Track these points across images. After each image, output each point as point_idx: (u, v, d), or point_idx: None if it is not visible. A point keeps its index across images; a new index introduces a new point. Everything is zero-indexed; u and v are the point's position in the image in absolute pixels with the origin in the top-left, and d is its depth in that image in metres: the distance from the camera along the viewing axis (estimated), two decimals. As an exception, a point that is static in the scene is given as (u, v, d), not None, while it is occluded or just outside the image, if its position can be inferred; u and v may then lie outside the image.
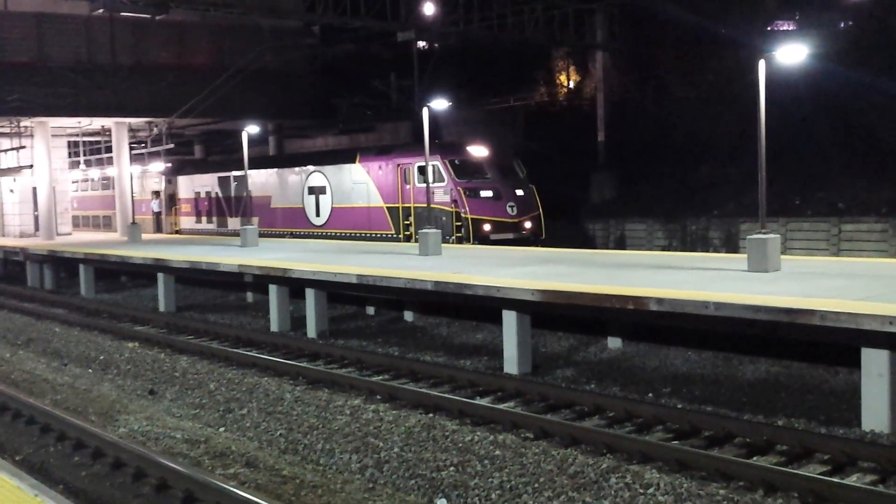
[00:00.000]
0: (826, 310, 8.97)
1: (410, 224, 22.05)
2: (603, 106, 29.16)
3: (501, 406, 10.37)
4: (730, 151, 24.38)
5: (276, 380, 12.45)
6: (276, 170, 27.46)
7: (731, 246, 22.87)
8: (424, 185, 19.14)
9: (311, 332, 15.58)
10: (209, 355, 14.35)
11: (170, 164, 32.26)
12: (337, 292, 16.25)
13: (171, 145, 30.74)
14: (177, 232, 32.14)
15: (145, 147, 30.97)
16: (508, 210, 20.85)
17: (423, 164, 19.68)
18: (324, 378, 12.20)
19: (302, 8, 27.84)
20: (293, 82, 30.84)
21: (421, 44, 34.27)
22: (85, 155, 33.14)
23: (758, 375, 11.41)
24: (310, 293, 15.54)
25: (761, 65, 11.92)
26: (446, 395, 10.81)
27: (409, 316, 16.81)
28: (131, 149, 30.44)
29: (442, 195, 20.97)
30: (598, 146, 29.14)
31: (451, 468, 8.41)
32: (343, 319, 17.18)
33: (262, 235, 24.60)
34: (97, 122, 30.47)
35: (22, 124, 29.82)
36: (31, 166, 29.86)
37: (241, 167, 23.34)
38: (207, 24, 28.82)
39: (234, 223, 28.73)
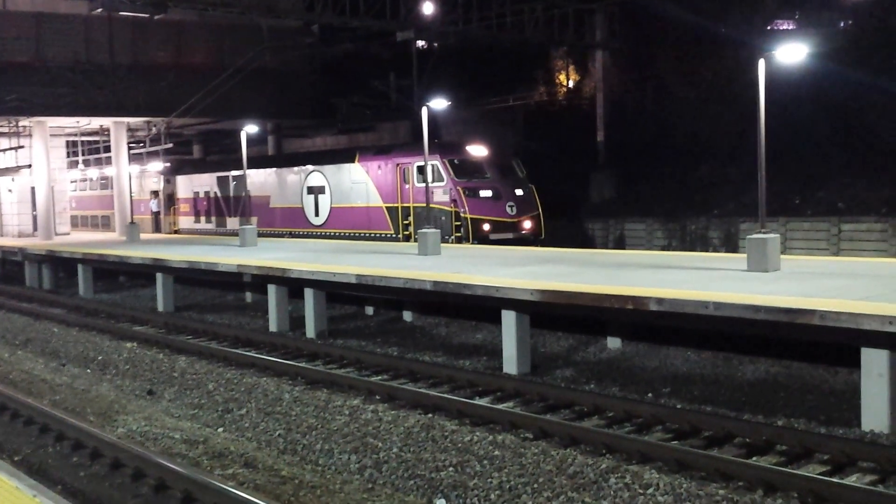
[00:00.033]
0: (826, 310, 8.95)
1: (410, 224, 22.03)
2: (602, 105, 29.15)
3: (500, 406, 10.36)
4: (729, 151, 24.37)
5: (274, 380, 12.43)
6: (274, 169, 27.44)
7: (731, 246, 22.86)
8: (424, 184, 19.11)
9: (310, 332, 15.56)
10: (208, 355, 14.33)
11: (168, 164, 32.23)
12: (336, 292, 16.23)
13: (170, 145, 30.71)
14: (175, 232, 32.11)
15: (144, 147, 30.94)
16: (508, 210, 20.83)
17: (422, 163, 19.65)
18: (323, 378, 12.18)
19: (301, 7, 27.80)
20: (292, 82, 30.81)
21: (420, 43, 34.26)
22: (83, 154, 33.10)
23: (757, 375, 11.39)
24: (309, 293, 15.52)
25: (761, 64, 11.91)
26: (445, 396, 10.80)
27: (408, 316, 16.79)
28: (130, 148, 30.40)
29: (441, 195, 20.95)
30: (598, 146, 29.13)
31: (450, 468, 8.40)
32: (342, 319, 17.16)
33: (260, 235, 24.57)
34: (96, 122, 30.43)
35: (20, 124, 29.79)
36: (30, 166, 29.83)
37: (239, 167, 23.34)
38: (206, 24, 28.80)
39: (232, 223, 28.71)
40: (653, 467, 8.14)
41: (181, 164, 33.97)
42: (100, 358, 14.76)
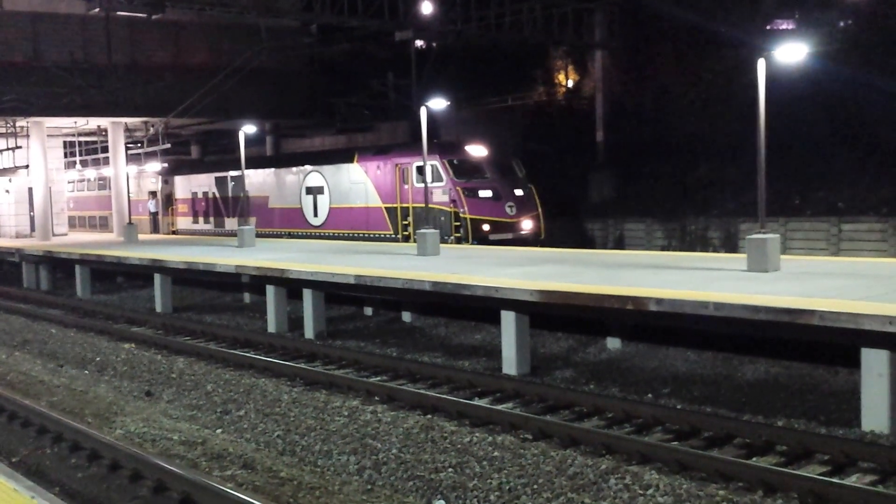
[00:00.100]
0: (826, 310, 8.93)
1: (409, 224, 22.01)
2: (602, 105, 29.13)
3: (500, 407, 10.33)
4: (729, 151, 24.36)
5: (273, 381, 12.40)
6: (273, 170, 27.41)
7: (731, 246, 22.85)
8: (423, 184, 19.08)
9: (309, 332, 15.53)
10: (206, 356, 14.30)
11: (166, 165, 32.19)
12: (335, 293, 16.20)
13: (168, 145, 30.66)
14: (174, 232, 32.08)
15: (142, 147, 30.90)
16: (507, 210, 20.81)
17: (421, 163, 19.62)
18: (322, 379, 12.15)
19: (299, 7, 27.78)
20: (290, 82, 30.78)
21: (419, 43, 34.22)
22: (81, 155, 33.05)
23: (757, 376, 11.37)
24: (307, 294, 15.49)
25: (761, 64, 11.90)
26: (445, 396, 10.78)
27: (407, 316, 16.77)
28: (127, 149, 30.36)
29: (441, 195, 20.92)
30: (597, 146, 29.11)
31: (450, 469, 8.37)
32: (341, 320, 17.13)
33: (259, 236, 24.55)
34: (93, 122, 30.38)
35: (18, 124, 29.74)
36: (27, 166, 29.79)
37: (238, 167, 23.32)
38: (204, 24, 28.77)
39: (231, 223, 28.67)
40: (653, 468, 8.12)
41: (179, 165, 33.93)
42: (98, 359, 14.72)
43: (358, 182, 23.66)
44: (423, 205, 19.07)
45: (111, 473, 8.60)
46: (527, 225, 20.90)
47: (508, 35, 27.36)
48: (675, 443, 8.83)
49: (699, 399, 10.54)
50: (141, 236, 28.59)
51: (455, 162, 21.32)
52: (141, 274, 22.43)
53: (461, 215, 20.61)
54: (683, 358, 12.40)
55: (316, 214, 25.33)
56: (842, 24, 26.36)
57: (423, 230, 17.35)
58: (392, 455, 8.88)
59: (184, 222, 31.89)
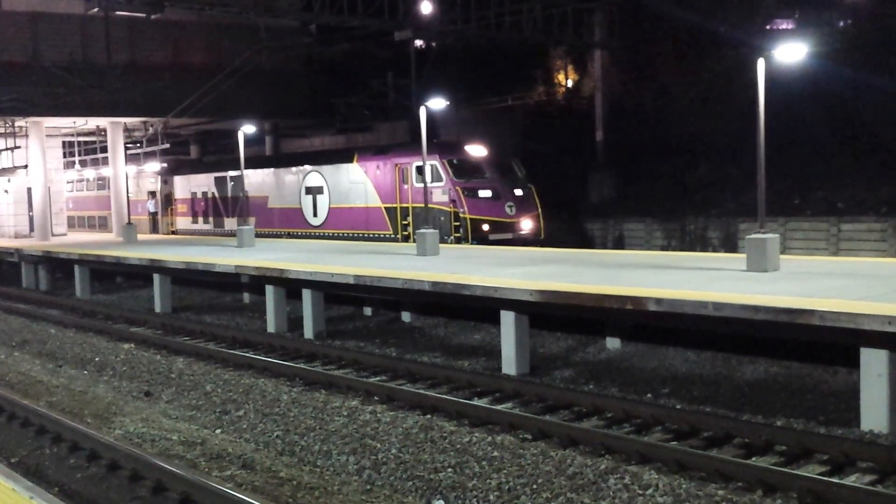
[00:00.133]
0: (825, 310, 8.93)
1: (409, 224, 22.00)
2: (601, 105, 29.12)
3: (499, 407, 10.33)
4: (729, 151, 24.35)
5: (272, 381, 12.39)
6: (272, 170, 27.40)
7: (730, 246, 22.85)
8: (422, 184, 19.07)
9: (308, 332, 15.52)
10: (205, 356, 14.29)
11: (166, 165, 32.17)
12: (334, 293, 16.19)
13: (167, 145, 30.66)
14: (173, 232, 32.06)
15: (141, 147, 30.88)
16: (507, 210, 20.80)
17: (421, 163, 19.61)
18: (321, 379, 12.14)
19: (298, 7, 27.75)
20: (290, 82, 30.77)
21: (418, 43, 34.21)
22: (80, 155, 33.04)
23: (757, 376, 11.37)
24: (307, 294, 15.48)
25: (760, 64, 11.89)
26: (444, 396, 10.77)
27: (406, 316, 16.76)
28: (127, 149, 30.35)
29: (440, 195, 20.91)
30: (597, 145, 29.11)
31: (449, 469, 8.37)
32: (340, 320, 17.13)
33: (258, 236, 24.53)
34: (92, 122, 30.37)
35: (16, 124, 29.72)
36: (26, 166, 29.77)
37: (237, 167, 23.31)
38: (203, 24, 28.75)
39: (230, 223, 28.66)
40: (652, 468, 8.11)
41: (178, 165, 33.92)
42: (97, 359, 14.71)
43: (357, 182, 23.66)
44: (422, 205, 19.06)
45: (110, 474, 8.60)
46: (526, 225, 20.88)
47: (508, 35, 27.34)
48: (675, 443, 8.83)
49: (699, 399, 10.53)
50: (140, 236, 28.57)
51: (455, 162, 21.31)
52: (140, 274, 22.41)
53: (461, 215, 20.60)
54: (683, 358, 12.40)
55: (315, 214, 25.32)
56: (841, 23, 26.37)
57: (422, 230, 17.34)
58: (391, 455, 8.87)
59: (183, 222, 31.87)
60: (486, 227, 20.54)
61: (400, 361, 12.92)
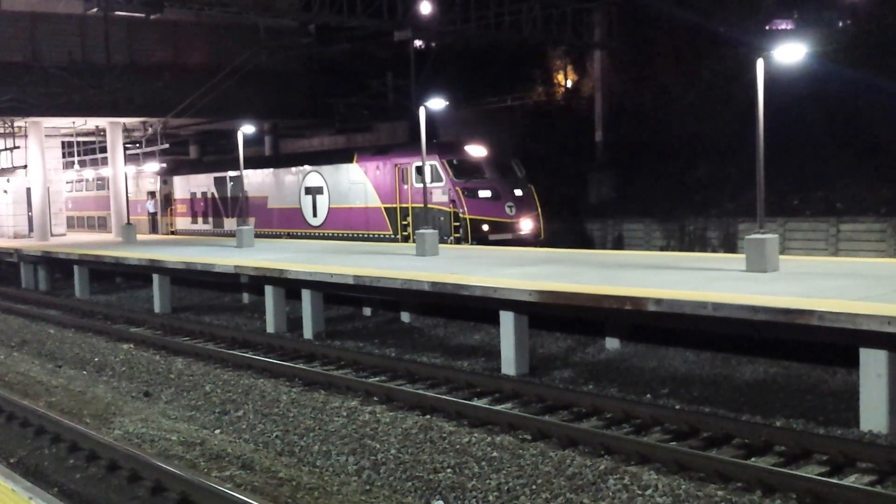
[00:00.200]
0: (824, 310, 8.93)
1: (408, 224, 21.99)
2: (601, 105, 29.12)
3: (499, 407, 10.33)
4: (728, 151, 24.36)
5: (272, 381, 12.39)
6: (272, 170, 27.39)
7: (730, 246, 22.85)
8: (422, 185, 19.06)
9: (308, 333, 15.52)
10: (205, 357, 14.28)
11: (165, 165, 32.16)
12: (333, 293, 16.19)
13: (167, 145, 30.64)
14: (172, 233, 32.05)
15: (140, 147, 30.87)
16: (507, 210, 20.80)
17: (420, 163, 19.60)
18: (320, 379, 12.14)
19: (298, 7, 27.74)
20: (289, 82, 30.76)
21: (418, 43, 34.20)
22: (79, 155, 33.03)
23: (756, 376, 11.37)
24: (306, 294, 15.48)
25: (760, 64, 11.89)
26: (443, 397, 10.77)
27: (406, 317, 16.76)
28: (126, 149, 30.34)
29: (440, 195, 20.91)
30: (596, 146, 29.11)
31: (449, 470, 8.36)
32: (339, 320, 17.12)
33: (258, 236, 24.52)
34: (91, 122, 30.35)
35: (16, 124, 29.71)
36: (25, 167, 29.75)
37: (237, 167, 23.31)
38: (202, 24, 28.74)
39: (230, 224, 28.65)
40: (651, 468, 8.11)
41: (178, 165, 33.91)
42: (96, 359, 14.71)
43: (357, 182, 23.65)
44: (422, 205, 19.06)
45: (109, 474, 8.59)
46: (526, 225, 20.88)
47: (507, 35, 27.34)
48: (674, 443, 8.83)
49: (698, 399, 10.53)
50: (139, 237, 28.56)
51: (454, 162, 21.30)
52: (139, 274, 22.40)
53: (461, 215, 20.60)
54: (682, 358, 12.39)
55: (315, 215, 25.32)
56: (841, 24, 26.38)
57: (421, 230, 17.33)
58: (391, 455, 8.87)
59: (182, 222, 31.86)
60: (485, 227, 20.53)
61: (399, 362, 12.92)
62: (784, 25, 27.77)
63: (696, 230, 24.09)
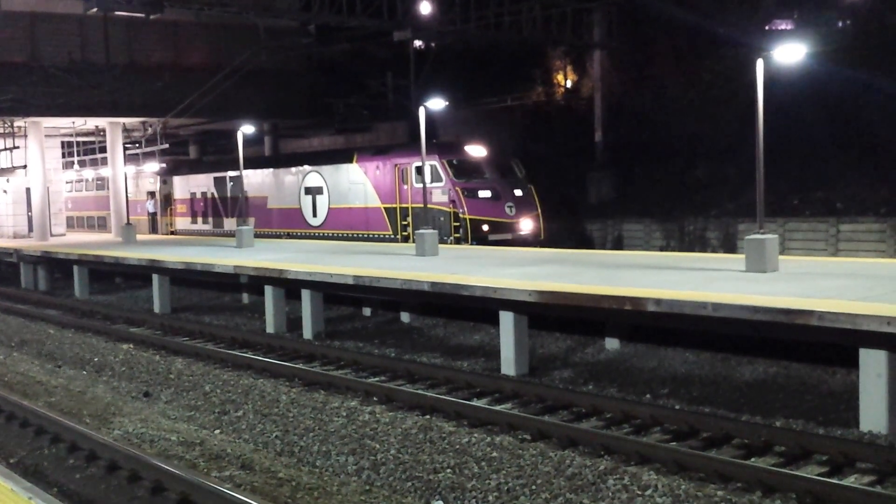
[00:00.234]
0: (824, 310, 8.93)
1: (408, 225, 21.99)
2: (601, 106, 29.12)
3: (498, 407, 10.33)
4: (728, 151, 24.36)
5: (272, 381, 12.39)
6: (272, 170, 27.39)
7: (729, 246, 22.85)
8: (422, 185, 19.06)
9: (307, 333, 15.51)
10: (204, 357, 14.28)
11: (165, 165, 32.15)
12: (333, 293, 16.19)
13: (166, 145, 30.63)
14: (172, 233, 32.05)
15: (140, 147, 30.86)
16: (507, 210, 20.79)
17: (420, 164, 19.60)
18: (320, 380, 12.14)
19: (297, 7, 27.74)
20: (289, 82, 30.75)
21: (417, 43, 34.19)
22: (79, 155, 33.03)
23: (756, 376, 11.37)
24: (306, 294, 15.48)
25: (759, 64, 11.89)
26: (443, 397, 10.77)
27: (405, 317, 16.76)
28: (126, 149, 30.32)
29: (440, 195, 20.90)
30: (596, 146, 29.12)
31: (448, 470, 8.36)
32: (339, 320, 17.12)
33: (258, 236, 24.52)
34: (91, 122, 30.34)
35: (15, 124, 29.70)
36: (25, 167, 29.74)
37: (236, 167, 23.31)
38: (202, 24, 28.70)
39: (230, 224, 28.64)
40: (651, 468, 8.11)
41: (178, 165, 33.90)
42: (96, 360, 14.70)
43: (357, 182, 23.65)
44: (422, 205, 19.05)
45: (109, 474, 8.59)
46: (526, 225, 20.87)
47: (507, 35, 27.33)
48: (674, 443, 8.83)
49: (698, 399, 10.53)
50: (139, 237, 28.55)
51: (454, 162, 21.30)
52: (139, 274, 22.40)
53: (460, 216, 20.59)
54: (682, 358, 12.39)
55: (315, 215, 25.31)
56: (840, 24, 26.37)
57: (421, 230, 17.33)
58: (390, 455, 8.87)
59: (182, 223, 31.86)
60: (485, 227, 20.53)
61: (399, 362, 12.91)
62: (784, 25, 27.76)
63: (696, 230, 24.09)
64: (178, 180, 32.18)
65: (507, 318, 12.08)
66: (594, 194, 28.58)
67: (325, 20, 26.17)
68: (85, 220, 36.66)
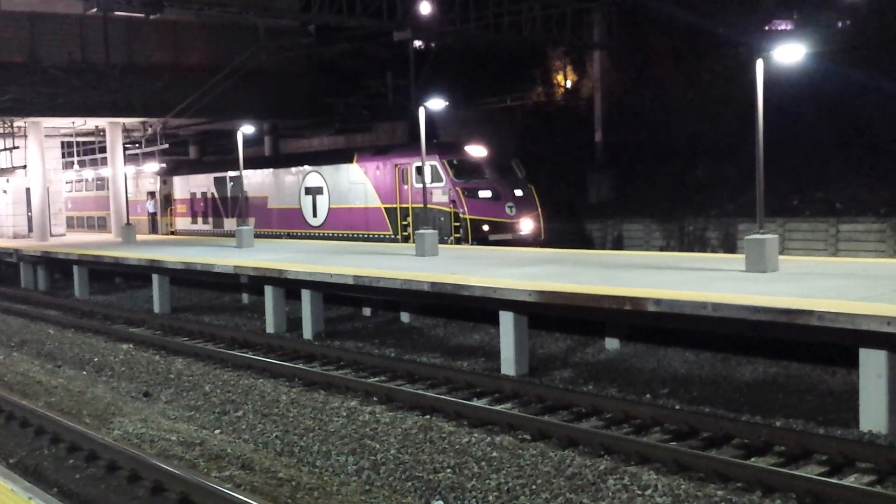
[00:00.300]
0: (824, 310, 8.94)
1: (408, 225, 21.99)
2: (600, 106, 29.13)
3: (498, 407, 10.33)
4: (728, 151, 24.37)
5: (271, 381, 12.39)
6: (272, 170, 27.39)
7: (729, 246, 22.85)
8: (422, 185, 19.07)
9: (307, 333, 15.52)
10: (204, 357, 14.28)
11: (165, 165, 32.16)
12: (333, 293, 16.19)
13: (166, 145, 30.63)
14: (172, 233, 32.05)
15: (140, 147, 30.86)
16: (507, 210, 20.80)
17: (420, 164, 19.60)
18: (320, 380, 12.14)
19: (297, 7, 27.73)
20: (289, 82, 30.75)
21: (417, 43, 34.19)
22: (79, 155, 33.03)
23: (756, 376, 11.37)
24: (306, 294, 15.48)
25: (759, 64, 11.89)
26: (443, 397, 10.77)
27: (405, 317, 16.76)
28: (126, 149, 30.32)
29: (440, 195, 20.91)
30: (596, 146, 29.12)
31: (448, 470, 8.36)
32: (339, 321, 17.12)
33: (258, 236, 24.51)
34: (91, 122, 30.34)
35: (15, 124, 29.70)
36: (25, 167, 29.74)
37: (236, 167, 23.32)
38: (202, 24, 28.72)
39: (230, 224, 28.65)
40: (651, 468, 8.12)
41: (177, 165, 33.91)
42: (96, 360, 14.70)
43: (357, 182, 23.65)
44: (422, 205, 19.05)
45: (109, 474, 8.59)
46: (526, 225, 20.87)
47: (507, 35, 27.32)
48: (674, 443, 8.83)
49: (698, 399, 10.54)
50: (139, 237, 28.55)
51: (455, 162, 21.30)
52: (139, 274, 22.39)
53: (461, 216, 20.60)
54: (682, 358, 12.40)
55: (315, 215, 25.31)
56: (840, 24, 26.37)
57: (421, 230, 17.33)
58: (390, 455, 8.87)
59: (182, 223, 31.86)
60: (486, 227, 20.53)
61: (399, 362, 12.92)
62: (784, 26, 27.75)
63: (696, 230, 24.09)
64: (177, 180, 32.18)
65: (507, 318, 12.08)
66: (594, 194, 28.58)
67: (325, 20, 26.17)
68: (85, 220, 36.66)
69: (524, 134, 31.09)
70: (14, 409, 10.86)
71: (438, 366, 12.76)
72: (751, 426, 9.07)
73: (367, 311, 17.62)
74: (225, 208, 29.48)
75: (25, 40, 26.98)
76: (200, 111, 27.06)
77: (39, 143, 28.82)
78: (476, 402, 10.50)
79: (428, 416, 10.19)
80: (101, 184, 34.12)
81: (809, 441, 8.47)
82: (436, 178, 20.95)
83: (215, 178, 29.92)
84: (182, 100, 26.50)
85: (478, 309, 13.81)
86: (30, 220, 31.44)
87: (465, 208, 20.55)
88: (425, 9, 28.37)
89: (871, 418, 8.88)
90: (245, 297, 20.66)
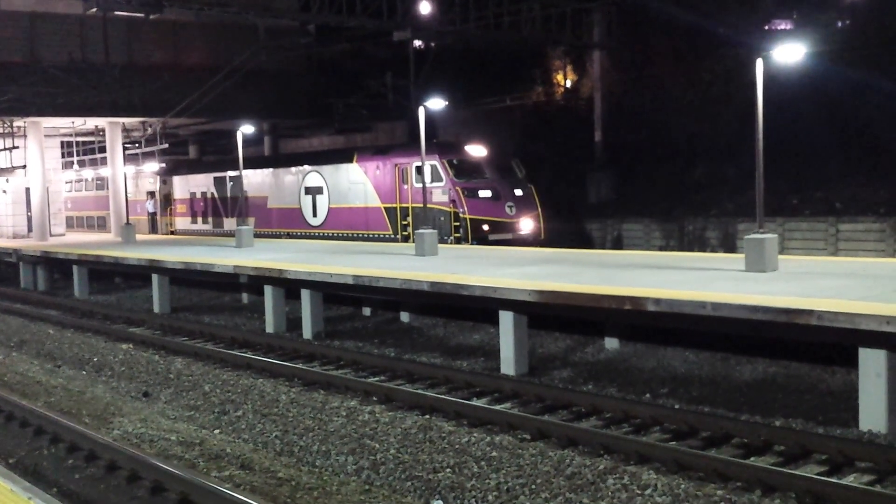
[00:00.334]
0: (823, 310, 8.94)
1: (408, 224, 21.99)
2: (600, 105, 29.12)
3: (498, 407, 10.33)
4: (727, 151, 24.38)
5: (271, 381, 12.39)
6: (272, 170, 27.39)
7: (729, 246, 22.86)
8: (422, 185, 19.06)
9: (307, 333, 15.52)
10: (204, 357, 14.28)
11: (164, 165, 32.16)
12: (333, 293, 16.19)
13: (166, 145, 30.63)
14: (172, 233, 32.05)
15: (139, 147, 30.86)
16: (507, 210, 20.80)
17: (420, 163, 19.60)
18: (320, 379, 12.14)
19: (297, 7, 27.73)
20: (289, 82, 30.75)
21: (417, 43, 34.19)
22: (78, 155, 33.02)
23: (755, 376, 11.38)
24: (305, 294, 15.48)
25: (759, 64, 11.90)
26: (443, 397, 10.77)
27: (405, 317, 16.76)
28: (125, 149, 30.32)
29: (440, 195, 20.91)
30: (596, 146, 29.12)
31: (448, 469, 8.36)
32: (339, 320, 17.12)
33: (257, 236, 24.51)
34: (91, 122, 30.34)
35: (15, 124, 29.69)
36: (24, 167, 29.73)
37: (236, 167, 23.32)
38: (202, 24, 28.70)
39: (229, 224, 28.64)
40: (651, 468, 8.12)
41: (177, 165, 33.91)
42: (95, 360, 14.70)
43: (357, 182, 23.65)
44: (422, 205, 19.05)
45: (109, 474, 8.59)
46: (526, 225, 20.87)
47: (507, 35, 27.32)
48: (674, 443, 8.83)
49: (697, 399, 10.54)
50: (139, 237, 28.55)
51: (455, 162, 21.31)
52: (139, 274, 22.39)
53: (461, 215, 20.60)
54: (681, 358, 12.40)
55: (315, 215, 25.31)
56: (840, 24, 26.38)
57: (421, 230, 17.33)
58: (390, 455, 8.87)
59: (182, 222, 31.86)
60: (485, 227, 20.53)
61: (399, 362, 12.92)
62: (783, 25, 27.76)
63: (696, 230, 24.10)
64: (177, 180, 32.18)
65: (506, 318, 12.09)
66: (594, 194, 28.58)
67: (325, 20, 26.16)
68: (84, 220, 36.66)
69: (524, 134, 31.10)
70: (14, 409, 10.86)
71: (438, 365, 12.76)
72: (750, 426, 9.07)
73: (366, 311, 17.62)
74: (225, 208, 29.48)
75: (25, 40, 26.98)
76: (200, 111, 27.06)
77: (39, 142, 28.82)
78: (476, 402, 10.51)
79: (427, 416, 10.19)
80: (101, 184, 34.12)
81: (809, 440, 8.47)
82: (436, 177, 20.95)
83: (215, 178, 29.92)
84: (182, 99, 26.50)
85: (477, 309, 13.81)
86: (29, 219, 31.44)
87: (465, 208, 20.55)
88: (425, 9, 28.38)
89: (871, 418, 8.88)
90: (245, 297, 20.66)
